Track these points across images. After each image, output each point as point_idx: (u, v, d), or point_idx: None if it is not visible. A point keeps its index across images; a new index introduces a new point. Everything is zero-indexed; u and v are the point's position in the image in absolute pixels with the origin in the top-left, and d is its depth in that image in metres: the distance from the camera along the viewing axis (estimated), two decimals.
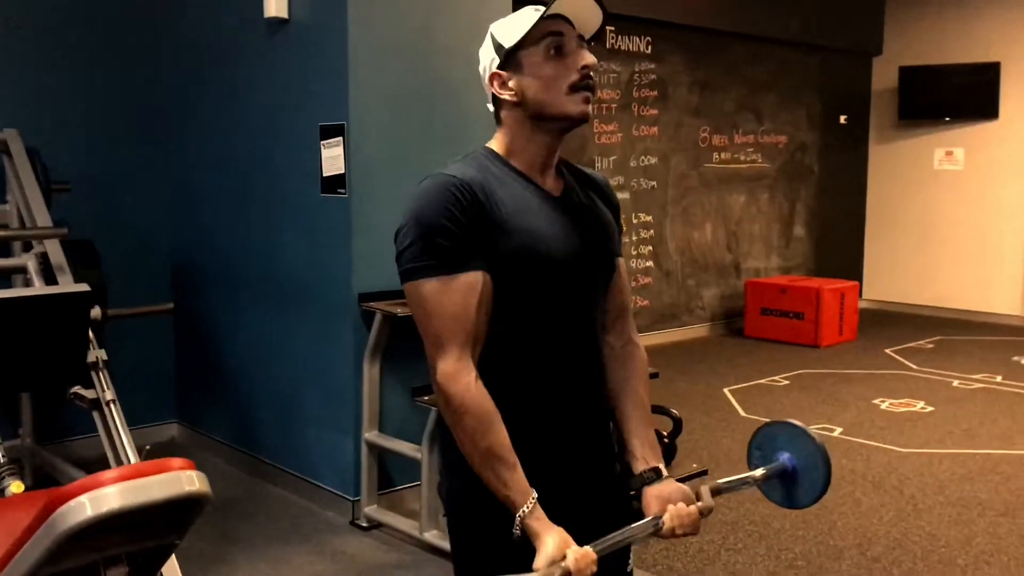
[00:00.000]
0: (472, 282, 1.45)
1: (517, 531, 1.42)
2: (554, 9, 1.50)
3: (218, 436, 4.55)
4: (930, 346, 7.44)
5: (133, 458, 3.00)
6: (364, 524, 3.71)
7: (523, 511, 1.42)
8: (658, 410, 3.93)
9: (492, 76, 1.55)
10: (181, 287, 4.73)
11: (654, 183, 7.44)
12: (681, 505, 1.52)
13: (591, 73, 1.53)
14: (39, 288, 3.25)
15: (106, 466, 2.90)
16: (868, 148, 9.28)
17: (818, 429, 4.78)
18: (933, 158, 8.80)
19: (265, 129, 4.08)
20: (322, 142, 3.71)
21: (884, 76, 9.01)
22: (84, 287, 3.10)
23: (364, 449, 3.72)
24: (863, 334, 7.74)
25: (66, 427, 4.34)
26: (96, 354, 3.21)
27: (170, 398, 4.85)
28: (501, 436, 1.45)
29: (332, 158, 3.67)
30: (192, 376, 4.77)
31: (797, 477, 1.64)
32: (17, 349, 2.99)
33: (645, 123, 7.30)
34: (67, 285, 3.23)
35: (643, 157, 7.33)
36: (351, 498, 3.78)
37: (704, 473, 4.18)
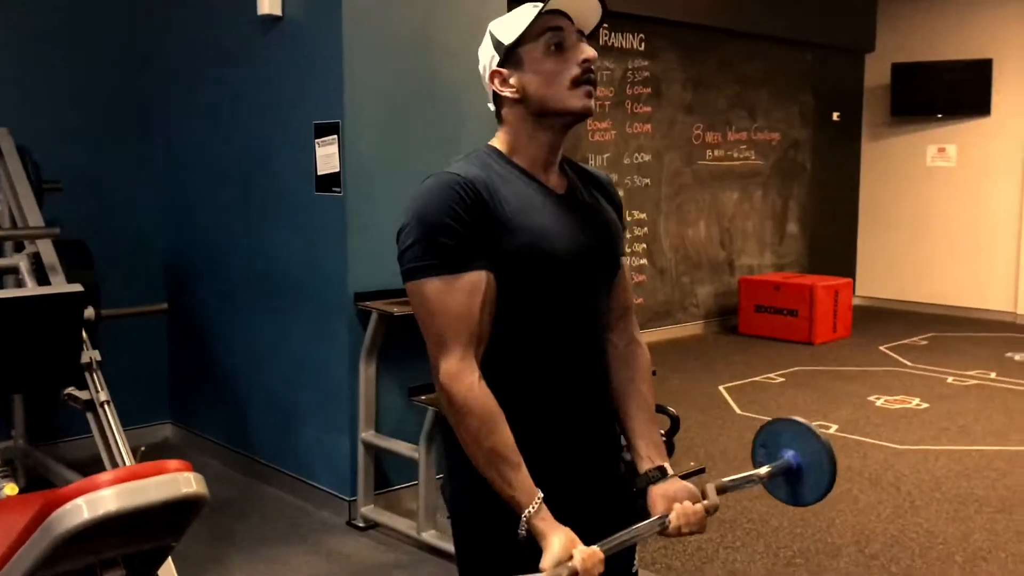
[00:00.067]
0: (475, 281, 1.44)
1: (523, 531, 1.41)
2: (553, 4, 1.49)
3: (212, 436, 4.52)
4: (924, 343, 7.46)
5: (128, 459, 2.98)
6: (361, 524, 3.69)
7: (529, 511, 1.41)
8: (655, 408, 3.92)
9: (493, 74, 1.54)
10: (175, 287, 4.71)
11: (648, 180, 7.44)
12: (687, 503, 1.51)
13: (592, 67, 1.52)
14: (32, 288, 3.22)
15: (100, 467, 2.89)
16: (861, 145, 9.30)
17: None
18: (926, 154, 8.82)
19: (259, 127, 4.06)
20: (316, 140, 3.69)
21: (877, 73, 9.02)
22: (77, 287, 3.08)
23: (360, 449, 3.70)
24: (857, 331, 7.76)
25: (59, 428, 4.31)
26: (90, 355, 3.19)
27: (164, 398, 4.83)
28: (505, 436, 1.43)
29: (327, 156, 3.65)
30: (186, 376, 4.75)
31: (802, 474, 1.63)
32: (10, 350, 2.97)
33: (638, 120, 7.30)
34: (60, 285, 3.21)
35: (637, 154, 7.32)
36: (347, 498, 3.76)
37: (702, 471, 4.16)
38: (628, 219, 7.29)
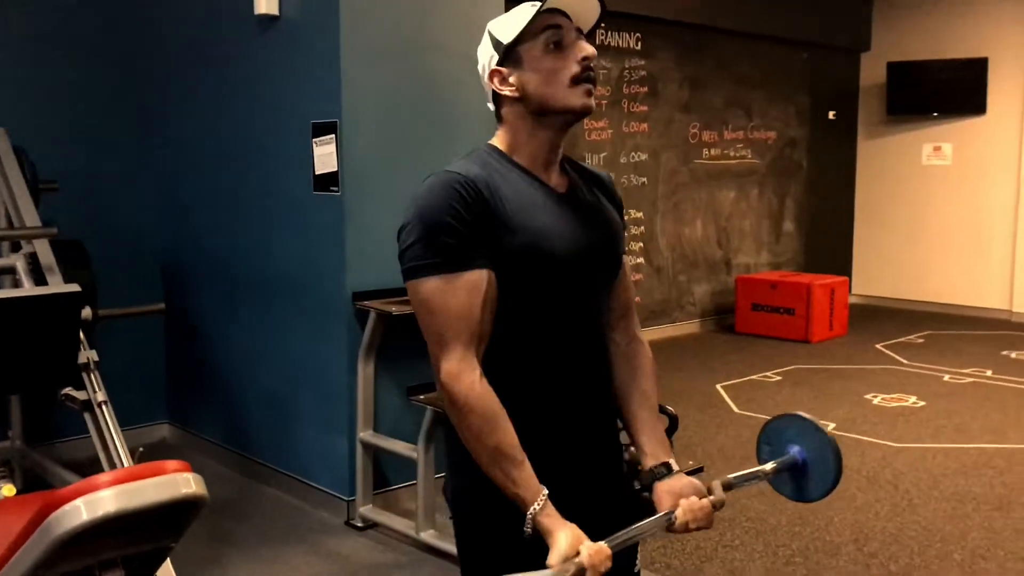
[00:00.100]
0: (476, 280, 1.44)
1: (528, 529, 1.41)
2: (551, 3, 1.49)
3: (210, 436, 4.51)
4: (920, 341, 7.46)
5: (126, 460, 2.97)
6: (359, 524, 3.69)
7: (534, 508, 1.40)
8: None
9: (492, 73, 1.54)
10: (172, 287, 4.70)
11: (644, 179, 7.44)
12: (693, 499, 1.51)
13: (591, 65, 1.52)
14: (28, 289, 3.21)
15: (98, 468, 2.87)
16: (857, 144, 9.31)
17: None
18: (921, 153, 8.83)
19: (256, 127, 4.05)
20: (314, 140, 3.68)
21: (872, 72, 9.03)
22: (74, 287, 3.06)
23: (359, 449, 3.69)
24: (853, 329, 7.76)
25: (56, 428, 4.30)
26: (87, 355, 3.18)
27: (161, 398, 4.82)
28: (508, 434, 1.43)
29: (324, 156, 3.65)
30: (184, 376, 4.74)
31: (807, 470, 1.63)
32: (7, 350, 2.96)
33: (635, 119, 7.30)
34: (57, 285, 3.19)
35: (633, 153, 7.32)
36: (346, 498, 3.76)
37: (700, 470, 4.15)
38: (625, 218, 7.27)
